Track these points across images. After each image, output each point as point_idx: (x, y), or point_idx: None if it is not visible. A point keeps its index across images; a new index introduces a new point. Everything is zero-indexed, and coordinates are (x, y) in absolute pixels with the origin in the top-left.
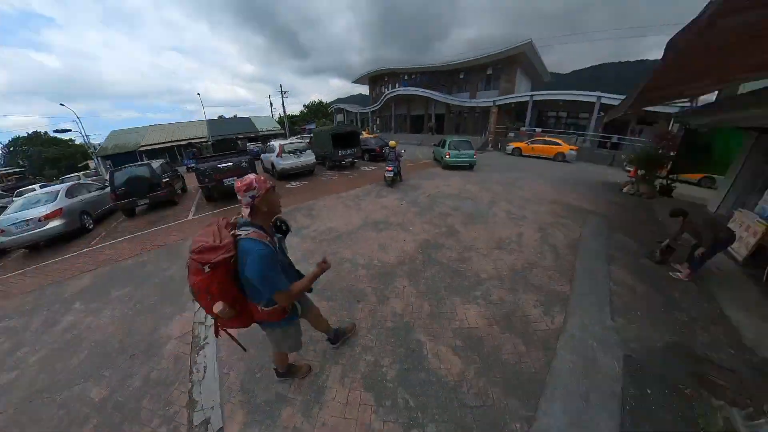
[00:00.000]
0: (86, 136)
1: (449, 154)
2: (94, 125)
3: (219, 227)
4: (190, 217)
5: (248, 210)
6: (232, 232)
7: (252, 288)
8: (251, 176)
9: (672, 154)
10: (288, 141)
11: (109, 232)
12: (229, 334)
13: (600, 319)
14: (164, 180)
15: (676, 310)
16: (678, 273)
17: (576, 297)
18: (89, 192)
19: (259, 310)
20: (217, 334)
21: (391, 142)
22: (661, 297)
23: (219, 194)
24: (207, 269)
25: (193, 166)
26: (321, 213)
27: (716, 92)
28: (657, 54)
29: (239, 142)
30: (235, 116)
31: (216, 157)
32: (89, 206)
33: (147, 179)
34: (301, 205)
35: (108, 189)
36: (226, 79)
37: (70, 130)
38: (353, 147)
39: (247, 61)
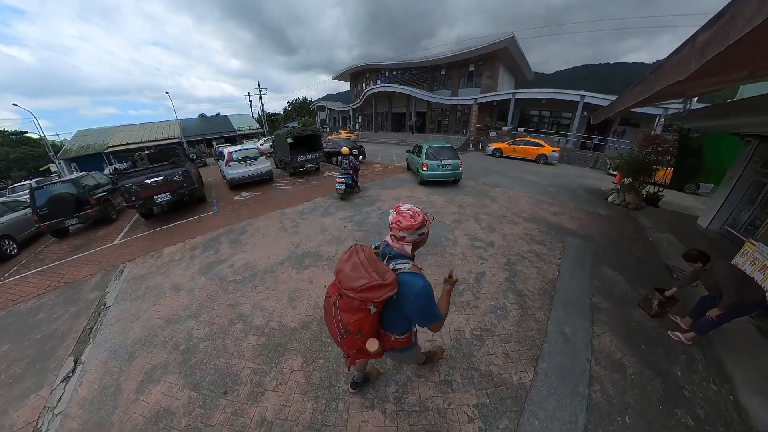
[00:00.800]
0: (45, 136)
1: (427, 166)
2: (75, 122)
3: (367, 258)
4: (117, 241)
5: (410, 246)
6: (392, 267)
7: (389, 320)
8: (418, 212)
9: (661, 159)
10: (237, 148)
11: (30, 259)
12: (354, 363)
13: None
14: (97, 196)
15: (679, 404)
16: (679, 334)
17: (538, 392)
18: (14, 212)
19: (392, 340)
20: (351, 365)
21: (344, 149)
22: (658, 380)
23: (158, 210)
24: (373, 309)
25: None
26: (250, 239)
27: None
28: (634, 57)
29: (201, 147)
30: (217, 114)
31: (146, 170)
32: (12, 229)
33: (71, 197)
34: (235, 225)
35: None
36: (211, 75)
37: (27, 132)
38: (315, 151)
39: (233, 56)
